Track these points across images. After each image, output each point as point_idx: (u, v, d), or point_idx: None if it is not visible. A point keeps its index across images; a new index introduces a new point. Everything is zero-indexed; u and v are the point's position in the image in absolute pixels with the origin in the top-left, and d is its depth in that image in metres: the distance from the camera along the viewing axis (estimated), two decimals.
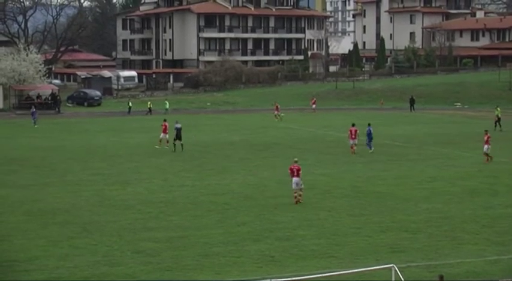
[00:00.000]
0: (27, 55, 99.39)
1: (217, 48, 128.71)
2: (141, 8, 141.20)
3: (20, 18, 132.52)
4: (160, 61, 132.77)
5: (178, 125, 56.33)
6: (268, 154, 54.70)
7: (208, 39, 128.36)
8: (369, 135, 54.91)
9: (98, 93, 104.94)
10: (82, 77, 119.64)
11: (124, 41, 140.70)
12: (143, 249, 27.99)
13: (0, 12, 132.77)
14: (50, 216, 33.73)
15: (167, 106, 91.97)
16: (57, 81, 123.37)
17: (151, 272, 25.10)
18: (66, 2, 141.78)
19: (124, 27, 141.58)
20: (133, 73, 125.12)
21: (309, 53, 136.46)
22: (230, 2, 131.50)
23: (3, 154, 54.29)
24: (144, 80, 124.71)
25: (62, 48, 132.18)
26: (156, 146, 57.18)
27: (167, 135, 57.24)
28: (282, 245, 28.63)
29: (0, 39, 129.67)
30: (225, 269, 25.52)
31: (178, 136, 55.85)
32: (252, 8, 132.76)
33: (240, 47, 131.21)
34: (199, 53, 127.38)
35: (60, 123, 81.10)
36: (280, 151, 55.52)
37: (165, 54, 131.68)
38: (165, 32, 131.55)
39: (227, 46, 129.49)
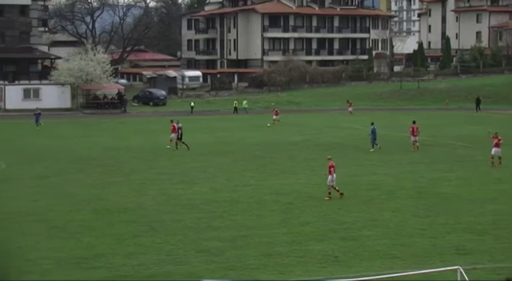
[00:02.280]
0: (94, 55, 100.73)
1: (282, 48, 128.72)
2: (206, 8, 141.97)
3: (88, 18, 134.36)
4: (225, 61, 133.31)
5: (179, 125, 57.62)
6: (332, 154, 54.50)
7: (273, 39, 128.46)
8: (373, 134, 55.47)
9: (163, 93, 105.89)
10: (148, 76, 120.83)
11: (189, 41, 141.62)
12: (207, 248, 28.16)
13: (68, 13, 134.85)
14: (116, 214, 34.17)
15: (246, 105, 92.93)
16: (123, 81, 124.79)
17: (215, 271, 25.24)
18: (132, 3, 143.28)
19: (189, 27, 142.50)
20: (198, 73, 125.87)
21: (374, 52, 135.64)
22: (294, 2, 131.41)
23: (71, 153, 55.14)
24: (209, 79, 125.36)
25: (128, 49, 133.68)
26: (168, 147, 57.42)
27: (175, 135, 57.83)
28: (346, 245, 28.55)
29: (69, 39, 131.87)
30: (289, 269, 25.54)
31: (179, 136, 57.12)
32: (317, 8, 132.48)
33: (304, 47, 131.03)
34: (264, 52, 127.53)
35: (126, 122, 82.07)
36: (344, 151, 55.33)
37: (230, 54, 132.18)
38: (229, 32, 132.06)
39: (291, 46, 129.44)
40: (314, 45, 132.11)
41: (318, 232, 30.66)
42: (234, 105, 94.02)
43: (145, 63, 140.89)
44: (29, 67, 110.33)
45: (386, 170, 46.41)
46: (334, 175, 37.21)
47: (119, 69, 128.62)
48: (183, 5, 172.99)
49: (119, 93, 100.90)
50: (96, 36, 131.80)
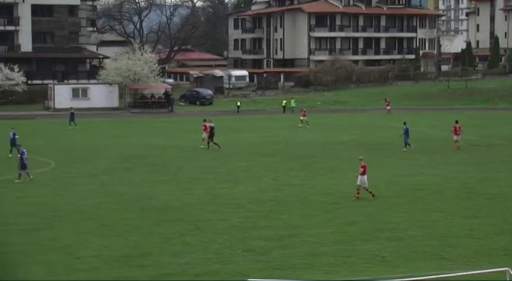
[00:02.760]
0: (142, 55, 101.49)
1: (328, 47, 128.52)
2: (253, 7, 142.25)
3: (136, 18, 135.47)
4: (271, 60, 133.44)
5: (211, 124, 57.30)
6: (378, 153, 54.38)
7: (319, 39, 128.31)
8: (406, 134, 55.44)
9: (210, 92, 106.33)
10: (194, 76, 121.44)
11: (235, 40, 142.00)
12: (253, 247, 28.26)
13: (116, 13, 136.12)
14: (163, 213, 34.43)
15: (294, 105, 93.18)
16: (170, 80, 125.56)
17: (261, 271, 25.32)
18: (179, 3, 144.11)
19: (236, 27, 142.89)
20: (244, 72, 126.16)
21: (421, 52, 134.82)
22: (341, 1, 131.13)
23: (119, 152, 55.66)
24: (255, 79, 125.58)
25: (175, 48, 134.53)
26: (201, 146, 57.46)
27: (207, 135, 57.87)
28: (392, 245, 28.46)
29: (117, 39, 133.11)
30: (334, 269, 25.54)
31: (211, 135, 56.84)
32: (363, 7, 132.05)
33: (351, 46, 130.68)
34: (310, 52, 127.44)
35: (173, 122, 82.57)
36: (390, 151, 55.13)
37: (276, 53, 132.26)
38: (276, 31, 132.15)
39: (338, 45, 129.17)
40: (360, 45, 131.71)
41: (364, 231, 30.61)
42: (283, 105, 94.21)
43: (192, 62, 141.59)
44: (78, 67, 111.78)
45: (433, 170, 46.15)
46: (365, 176, 36.99)
47: (166, 68, 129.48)
48: (229, 5, 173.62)
49: (166, 93, 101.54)
50: (143, 36, 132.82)
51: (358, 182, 37.23)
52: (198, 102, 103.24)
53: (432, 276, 22.40)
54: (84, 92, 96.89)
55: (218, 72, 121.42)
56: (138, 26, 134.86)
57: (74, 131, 71.48)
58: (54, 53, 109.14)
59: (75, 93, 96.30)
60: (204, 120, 59.11)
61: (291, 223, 32.40)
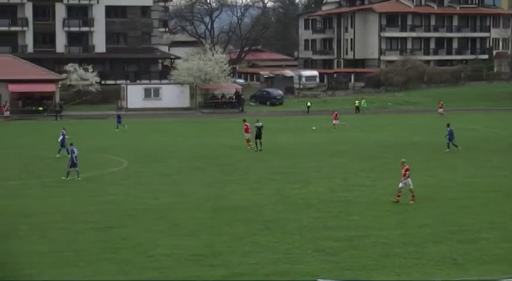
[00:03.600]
0: (212, 55, 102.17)
1: (399, 47, 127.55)
2: (323, 8, 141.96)
3: (207, 19, 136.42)
4: (342, 61, 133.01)
5: (259, 124, 56.56)
6: (449, 155, 53.81)
7: (390, 39, 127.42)
8: (450, 135, 55.07)
9: (280, 92, 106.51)
10: (265, 76, 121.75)
11: (306, 40, 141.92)
12: (323, 248, 28.25)
13: (188, 13, 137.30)
14: (233, 213, 34.63)
15: (364, 105, 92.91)
16: (241, 80, 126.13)
17: (331, 271, 25.29)
18: (250, 3, 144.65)
19: (306, 27, 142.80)
20: (314, 73, 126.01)
21: (494, 52, 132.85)
22: (413, 1, 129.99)
23: (190, 152, 56.10)
24: (325, 79, 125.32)
25: (246, 48, 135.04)
26: (248, 147, 57.12)
27: (249, 135, 57.37)
28: (464, 247, 28.15)
29: (188, 39, 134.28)
30: (406, 271, 25.39)
31: (258, 135, 56.03)
32: (435, 7, 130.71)
33: (422, 47, 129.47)
34: (381, 52, 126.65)
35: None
36: (461, 152, 54.47)
37: (346, 53, 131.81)
38: (346, 31, 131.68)
39: (409, 45, 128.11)
40: (432, 45, 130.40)
41: (436, 233, 30.34)
42: (356, 105, 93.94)
43: (263, 63, 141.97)
44: (150, 67, 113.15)
45: (506, 172, 45.48)
46: (409, 179, 36.42)
47: (237, 68, 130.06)
48: (300, 5, 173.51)
49: (237, 93, 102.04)
50: (214, 36, 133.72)
51: (400, 185, 36.57)
52: (268, 103, 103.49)
53: (504, 280, 22.13)
54: (156, 92, 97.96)
55: (288, 72, 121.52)
56: (209, 27, 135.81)
57: (147, 131, 72.25)
58: (127, 54, 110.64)
59: (147, 93, 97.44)
60: (244, 121, 58.71)
61: (362, 223, 32.30)
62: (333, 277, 24.29)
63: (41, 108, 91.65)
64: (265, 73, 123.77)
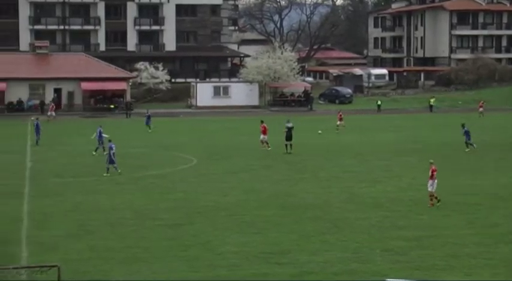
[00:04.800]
0: (282, 53, 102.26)
1: (470, 45, 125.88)
2: (393, 6, 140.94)
3: (276, 17, 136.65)
4: (411, 59, 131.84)
5: (290, 125, 55.14)
6: None
7: (461, 37, 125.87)
8: (467, 135, 55.04)
9: (349, 91, 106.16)
10: (334, 74, 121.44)
11: (375, 39, 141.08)
12: (392, 247, 28.12)
13: (257, 12, 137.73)
14: (302, 211, 34.67)
15: (434, 103, 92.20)
16: (310, 79, 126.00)
17: (399, 271, 25.17)
18: (319, 1, 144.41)
19: (375, 25, 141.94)
20: (384, 71, 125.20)
21: None
22: None
23: (259, 150, 56.15)
24: (395, 78, 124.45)
25: (315, 47, 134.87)
26: (262, 148, 56.02)
27: (266, 137, 56.16)
28: None
29: (257, 38, 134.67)
30: (476, 271, 25.12)
31: (288, 136, 54.45)
32: (508, 4, 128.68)
33: (494, 45, 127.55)
34: (451, 50, 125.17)
35: (311, 120, 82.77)
36: None
37: (416, 52, 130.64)
38: (416, 29, 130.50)
39: (480, 43, 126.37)
40: (504, 43, 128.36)
41: (508, 234, 29.92)
42: (430, 103, 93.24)
43: (332, 61, 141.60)
44: (219, 65, 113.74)
45: None
46: (435, 181, 35.48)
47: (306, 67, 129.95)
48: (370, 3, 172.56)
49: (306, 91, 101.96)
50: (283, 35, 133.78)
51: (430, 189, 35.59)
52: (337, 101, 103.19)
53: None
54: (225, 91, 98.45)
55: (358, 70, 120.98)
56: (278, 25, 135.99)
57: (216, 129, 72.68)
58: (197, 52, 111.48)
59: (216, 91, 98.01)
60: (262, 122, 57.20)
61: (431, 223, 32.05)
62: (402, 277, 24.17)
63: (112, 106, 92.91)
64: (334, 71, 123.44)
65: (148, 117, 71.56)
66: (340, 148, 57.14)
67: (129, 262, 26.34)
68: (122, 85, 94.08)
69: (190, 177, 44.45)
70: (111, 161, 44.63)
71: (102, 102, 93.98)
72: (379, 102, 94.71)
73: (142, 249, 28.04)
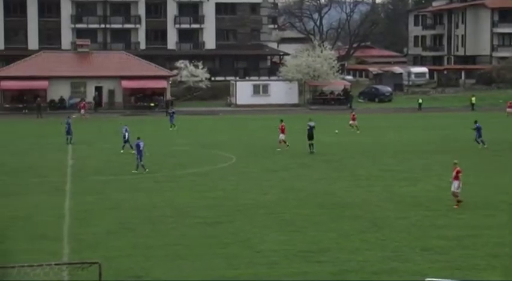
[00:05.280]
0: (321, 52, 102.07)
1: None
2: (434, 3, 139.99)
3: (316, 15, 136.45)
4: (452, 57, 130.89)
5: (312, 124, 54.40)
6: None
7: (503, 35, 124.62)
8: (478, 132, 55.06)
9: (389, 89, 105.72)
10: (374, 73, 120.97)
11: (415, 37, 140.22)
12: (432, 247, 28.01)
13: (297, 10, 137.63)
14: (341, 209, 34.66)
15: (474, 102, 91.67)
16: (349, 77, 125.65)
17: (439, 270, 25.06)
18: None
19: (416, 23, 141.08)
20: (424, 69, 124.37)
21: None
22: None
23: (299, 148, 56.15)
24: (435, 76, 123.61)
25: (355, 45, 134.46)
26: (279, 149, 55.22)
27: (284, 136, 55.70)
28: None
29: (297, 36, 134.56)
30: None
31: (310, 136, 53.72)
32: None
33: None
34: (493, 48, 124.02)
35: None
36: None
37: (457, 50, 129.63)
38: (457, 27, 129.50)
39: None
40: None
41: None
42: (471, 102, 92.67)
43: (371, 59, 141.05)
44: (259, 63, 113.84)
45: None
46: (460, 182, 34.91)
47: (345, 65, 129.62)
48: (410, 1, 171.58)
49: (345, 90, 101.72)
50: (323, 33, 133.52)
51: (452, 189, 35.13)
52: (376, 99, 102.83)
53: None
54: (265, 89, 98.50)
55: (397, 69, 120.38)
56: (318, 23, 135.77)
57: (255, 127, 72.77)
58: (237, 50, 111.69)
59: (255, 89, 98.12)
60: (281, 121, 56.74)
61: (472, 222, 31.86)
62: (442, 277, 24.06)
63: (152, 105, 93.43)
64: (374, 70, 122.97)
65: (172, 114, 71.44)
66: (380, 147, 56.92)
67: (169, 260, 26.54)
68: (162, 83, 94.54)
69: (229, 175, 44.62)
70: (140, 158, 45.09)
71: (143, 100, 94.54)
72: (420, 101, 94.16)
73: (183, 246, 28.23)
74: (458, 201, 34.83)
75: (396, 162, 49.46)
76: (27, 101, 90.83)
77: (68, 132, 59.12)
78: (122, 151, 53.63)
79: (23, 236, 29.90)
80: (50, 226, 31.57)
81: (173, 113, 71.94)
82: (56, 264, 19.94)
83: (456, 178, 35.00)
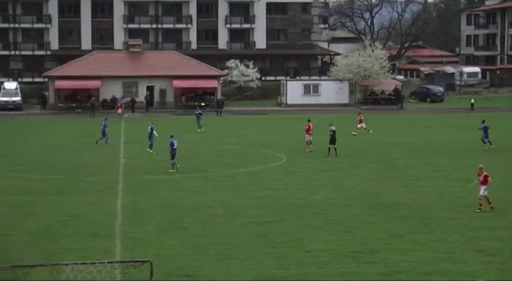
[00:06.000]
0: (372, 51, 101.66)
1: None
2: (487, 2, 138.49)
3: (367, 15, 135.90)
4: (505, 57, 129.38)
5: (333, 128, 52.86)
6: None
7: None
8: (485, 132, 54.45)
9: (441, 89, 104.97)
10: (425, 73, 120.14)
11: (468, 36, 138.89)
12: (484, 248, 27.81)
13: (348, 9, 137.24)
14: (391, 210, 34.55)
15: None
16: (400, 77, 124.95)
17: (492, 272, 24.89)
18: None
19: (468, 23, 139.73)
20: (476, 69, 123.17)
21: None
22: None
23: (349, 148, 56.07)
24: (488, 76, 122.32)
25: (406, 45, 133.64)
26: (307, 151, 54.20)
27: (311, 137, 54.92)
28: None
29: (348, 36, 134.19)
30: None
31: (332, 140, 52.35)
32: None
33: None
34: None
35: (402, 119, 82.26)
36: None
37: (510, 49, 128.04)
38: (510, 27, 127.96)
39: None
40: None
41: None
42: None
43: (423, 59, 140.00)
44: (310, 63, 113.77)
45: None
46: (487, 186, 34.16)
47: (396, 65, 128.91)
48: (462, 0, 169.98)
49: (396, 90, 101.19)
50: (374, 33, 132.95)
51: (481, 193, 34.33)
52: (428, 99, 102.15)
53: None
54: (315, 89, 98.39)
55: (449, 69, 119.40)
56: (369, 23, 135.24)
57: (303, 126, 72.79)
58: (287, 50, 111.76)
59: (306, 89, 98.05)
60: (308, 121, 56.00)
61: None
62: (494, 278, 23.91)
63: (203, 104, 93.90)
64: (425, 70, 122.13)
65: (199, 115, 69.95)
66: (431, 147, 56.55)
67: (219, 259, 26.72)
68: (213, 83, 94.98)
69: (280, 175, 44.71)
70: (173, 157, 45.48)
71: (193, 100, 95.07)
72: (472, 101, 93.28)
73: (233, 246, 28.40)
74: (481, 205, 34.28)
75: (447, 162, 49.11)
76: (80, 101, 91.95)
77: (103, 133, 59.39)
78: (148, 149, 53.81)
79: (77, 234, 30.33)
80: (102, 224, 31.97)
81: (200, 114, 70.49)
82: (108, 262, 20.25)
83: (484, 182, 34.26)
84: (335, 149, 52.23)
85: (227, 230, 30.84)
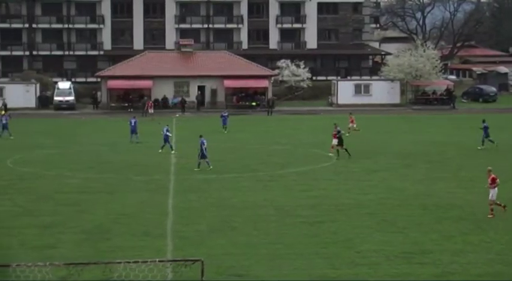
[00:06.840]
0: (424, 51, 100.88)
1: None
2: None
3: (419, 15, 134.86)
4: None
5: (339, 128, 52.27)
6: None
7: None
8: (485, 131, 54.16)
9: (494, 89, 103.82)
10: (478, 72, 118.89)
11: None
12: None
13: (399, 9, 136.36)
14: (443, 211, 34.29)
15: None
16: (452, 77, 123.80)
17: None
18: None
19: None
20: None
21: None
22: None
23: (401, 148, 55.77)
24: None
25: (458, 44, 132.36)
26: (330, 154, 52.64)
27: (337, 141, 52.87)
28: None
29: (399, 35, 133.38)
30: None
31: (340, 141, 51.44)
32: None
33: None
34: None
35: (454, 119, 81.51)
36: None
37: None
38: None
39: None
40: None
41: None
42: None
43: (476, 59, 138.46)
44: (361, 63, 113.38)
45: None
46: (496, 189, 33.35)
47: (448, 65, 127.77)
48: None
49: (448, 90, 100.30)
50: (426, 32, 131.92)
51: (490, 197, 33.56)
52: (480, 99, 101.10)
53: None
54: (366, 88, 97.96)
55: (503, 68, 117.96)
56: (420, 22, 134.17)
57: (359, 126, 72.56)
58: (338, 50, 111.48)
59: (357, 89, 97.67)
60: (335, 125, 54.31)
61: None
62: None
63: (254, 104, 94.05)
64: (478, 69, 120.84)
65: (226, 117, 68.13)
66: (485, 147, 55.90)
67: (270, 258, 26.77)
68: (263, 83, 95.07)
69: (331, 175, 44.65)
70: (203, 156, 45.83)
71: (244, 99, 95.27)
72: None
73: (284, 245, 28.43)
74: (503, 205, 33.74)
75: (500, 163, 48.44)
76: (132, 100, 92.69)
77: (133, 131, 59.63)
78: (160, 151, 53.91)
79: (129, 233, 30.62)
80: (154, 223, 32.22)
81: (227, 115, 68.71)
82: (159, 261, 20.43)
83: (494, 185, 33.59)
84: (346, 149, 51.25)
85: (278, 230, 30.87)
